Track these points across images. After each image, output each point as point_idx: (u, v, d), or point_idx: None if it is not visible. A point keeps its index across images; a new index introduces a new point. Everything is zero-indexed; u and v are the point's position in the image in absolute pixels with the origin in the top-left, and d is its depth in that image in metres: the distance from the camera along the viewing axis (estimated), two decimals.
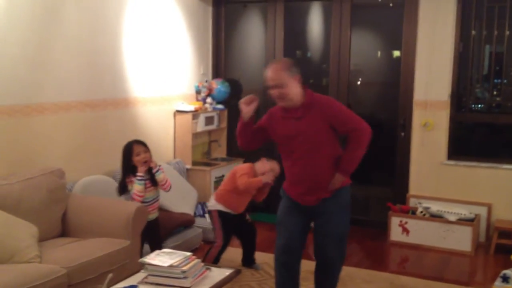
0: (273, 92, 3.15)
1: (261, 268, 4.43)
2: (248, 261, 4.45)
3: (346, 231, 3.36)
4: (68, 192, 4.09)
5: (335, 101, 3.28)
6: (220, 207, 4.22)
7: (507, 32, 5.13)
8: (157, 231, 4.14)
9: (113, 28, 4.76)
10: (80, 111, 4.49)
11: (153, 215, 4.06)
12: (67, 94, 4.36)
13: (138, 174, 3.87)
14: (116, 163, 4.75)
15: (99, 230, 3.83)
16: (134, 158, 3.90)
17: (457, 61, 5.27)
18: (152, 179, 3.98)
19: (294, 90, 3.13)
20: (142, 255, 3.72)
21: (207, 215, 4.82)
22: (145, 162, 3.91)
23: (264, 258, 4.52)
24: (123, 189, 3.96)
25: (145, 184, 3.91)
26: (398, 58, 5.67)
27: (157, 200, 4.09)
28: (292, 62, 3.18)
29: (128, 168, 3.93)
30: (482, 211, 5.15)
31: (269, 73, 3.14)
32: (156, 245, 3.94)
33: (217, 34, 6.26)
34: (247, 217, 4.45)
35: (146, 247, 4.02)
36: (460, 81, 5.37)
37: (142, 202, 3.92)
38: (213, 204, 4.26)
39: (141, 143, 3.98)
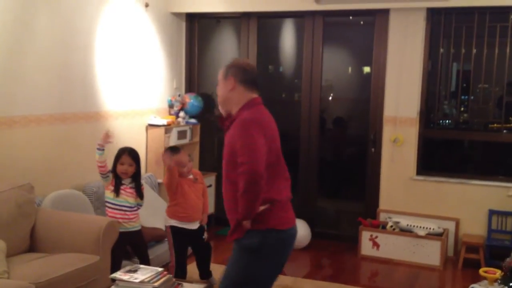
0: None
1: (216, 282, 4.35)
2: (205, 274, 4.33)
3: (240, 278, 2.69)
4: (37, 206, 4.02)
5: (246, 124, 2.65)
6: (173, 222, 4.11)
7: (474, 50, 5.27)
8: (144, 244, 4.15)
9: (85, 41, 4.74)
10: (50, 125, 4.44)
11: (135, 224, 4.06)
12: (38, 107, 4.31)
13: (98, 143, 3.90)
14: (86, 177, 4.72)
15: (69, 245, 3.77)
16: (117, 165, 3.99)
17: (426, 79, 5.39)
18: (137, 188, 4.06)
19: (221, 91, 2.84)
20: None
21: None
22: (125, 173, 4.00)
23: None
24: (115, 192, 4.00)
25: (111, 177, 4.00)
26: (368, 74, 5.77)
27: (138, 209, 4.10)
28: (233, 64, 2.85)
29: (114, 173, 4.00)
30: (450, 226, 5.25)
31: None
32: (145, 258, 3.99)
33: (190, 49, 6.28)
34: (205, 235, 4.29)
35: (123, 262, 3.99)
36: (429, 98, 5.49)
37: (123, 207, 3.97)
38: (166, 220, 4.15)
39: (131, 155, 4.04)
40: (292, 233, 2.77)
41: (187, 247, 4.25)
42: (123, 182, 4.02)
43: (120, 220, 3.96)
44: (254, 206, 2.57)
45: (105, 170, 3.94)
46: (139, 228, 4.11)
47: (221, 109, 2.87)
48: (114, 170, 4.01)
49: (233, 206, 2.68)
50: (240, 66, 2.82)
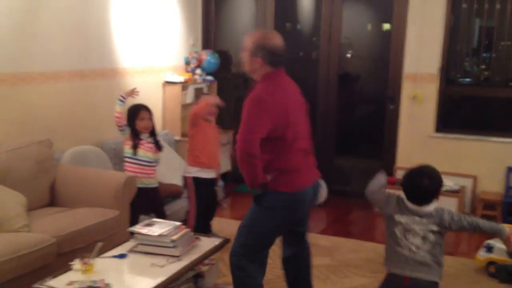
0: None
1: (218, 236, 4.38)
2: (205, 228, 4.35)
3: (253, 229, 2.90)
4: (56, 162, 4.08)
5: (253, 101, 2.77)
6: (195, 171, 4.14)
7: (498, 6, 5.12)
8: (161, 201, 4.21)
9: None
10: (68, 81, 4.46)
11: (153, 180, 4.11)
12: (56, 64, 4.32)
13: (121, 95, 3.99)
14: (104, 134, 4.76)
15: (88, 200, 3.84)
16: (137, 122, 4.01)
17: (448, 35, 5.26)
18: (156, 143, 4.10)
19: (248, 66, 2.92)
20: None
21: None
22: (146, 128, 4.06)
23: None
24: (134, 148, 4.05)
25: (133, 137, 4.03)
26: (388, 31, 5.66)
27: (156, 166, 4.14)
28: (263, 44, 2.84)
29: (132, 127, 4.03)
30: (468, 183, 5.23)
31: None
32: (162, 215, 4.02)
33: (207, 5, 6.20)
34: (219, 184, 4.42)
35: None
36: (450, 55, 5.38)
37: (143, 162, 4.01)
38: (187, 169, 4.20)
39: (148, 110, 4.08)
40: (297, 197, 2.88)
41: (207, 197, 4.28)
42: (141, 137, 4.06)
43: (139, 175, 4.01)
44: (253, 178, 2.77)
45: (122, 122, 3.98)
46: (156, 185, 4.16)
47: (244, 69, 2.98)
48: (132, 126, 4.03)
49: None
50: (270, 49, 2.83)
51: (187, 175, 4.21)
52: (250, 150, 2.70)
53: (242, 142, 2.72)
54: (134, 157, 4.03)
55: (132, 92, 4.07)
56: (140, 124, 4.03)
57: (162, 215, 4.04)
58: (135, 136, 4.03)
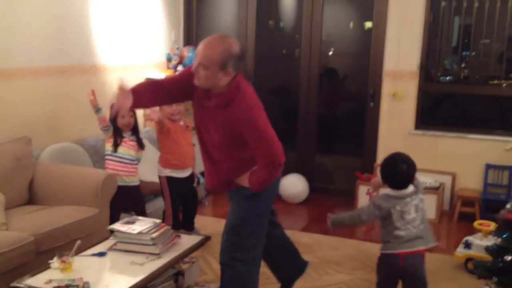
0: None
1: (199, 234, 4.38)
2: (188, 226, 4.36)
3: (242, 221, 2.91)
4: (35, 159, 4.04)
5: (254, 113, 2.72)
6: (167, 172, 4.12)
7: (476, 4, 5.18)
8: (142, 199, 4.18)
9: None
10: (47, 77, 4.41)
11: (135, 178, 4.08)
12: (34, 60, 4.27)
13: (93, 106, 3.91)
14: (84, 131, 4.72)
15: (67, 198, 3.80)
16: (118, 119, 3.97)
17: (427, 32, 5.31)
18: (138, 141, 4.08)
19: (212, 80, 2.71)
20: None
21: None
22: (127, 125, 4.03)
23: None
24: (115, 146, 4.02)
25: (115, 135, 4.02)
26: (370, 30, 5.69)
27: (137, 163, 4.12)
28: (231, 54, 2.64)
29: (114, 127, 3.99)
30: (447, 180, 5.29)
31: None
32: (143, 214, 3.98)
33: (188, 1, 6.17)
34: (195, 182, 4.41)
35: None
36: (430, 52, 5.43)
37: (124, 159, 4.00)
38: (160, 170, 4.16)
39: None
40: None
41: (182, 196, 4.25)
42: (123, 135, 4.03)
43: (121, 173, 3.99)
44: (270, 183, 2.85)
45: (106, 123, 3.95)
46: (138, 183, 4.14)
47: (201, 86, 2.72)
48: (113, 124, 4.00)
49: (237, 172, 2.88)
50: (238, 55, 2.65)
51: (161, 174, 4.18)
52: (280, 161, 2.74)
53: (270, 158, 2.70)
54: (115, 154, 4.01)
55: (93, 99, 3.89)
56: (121, 121, 4.01)
57: (142, 213, 4.01)
58: (117, 134, 4.00)
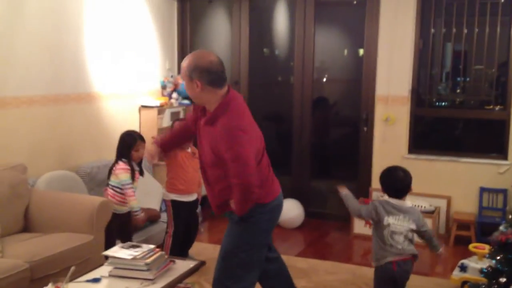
0: None
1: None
2: (185, 251, 4.37)
3: (235, 247, 2.93)
4: (30, 187, 4.05)
5: (232, 133, 2.74)
6: (173, 196, 4.18)
7: (465, 31, 5.27)
8: (130, 227, 4.17)
9: (76, 22, 4.72)
10: (43, 106, 4.44)
11: (127, 207, 4.08)
12: (30, 88, 4.32)
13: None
14: (79, 159, 4.74)
15: (62, 225, 3.81)
16: (133, 151, 4.03)
17: (417, 58, 5.40)
18: (141, 170, 4.15)
19: (190, 91, 2.88)
20: None
21: None
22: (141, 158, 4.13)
23: None
24: (110, 172, 4.05)
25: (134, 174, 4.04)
26: (362, 56, 5.77)
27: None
28: (195, 66, 2.76)
29: (124, 155, 4.02)
30: (442, 204, 5.30)
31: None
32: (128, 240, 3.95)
33: (182, 29, 6.27)
34: (198, 209, 4.49)
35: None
36: (421, 78, 5.51)
37: (119, 189, 4.00)
38: (165, 194, 4.23)
39: (144, 141, 4.12)
40: (276, 203, 3.00)
41: (186, 219, 4.27)
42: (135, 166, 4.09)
43: (123, 202, 4.01)
44: (250, 205, 2.80)
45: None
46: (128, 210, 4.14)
47: (195, 101, 2.93)
48: (128, 155, 4.01)
49: (227, 194, 2.88)
50: (203, 68, 2.73)
51: (166, 198, 4.23)
52: (252, 183, 2.71)
53: (242, 179, 2.69)
54: (118, 185, 4.01)
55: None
56: (136, 154, 4.06)
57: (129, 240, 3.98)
58: (131, 165, 4.03)
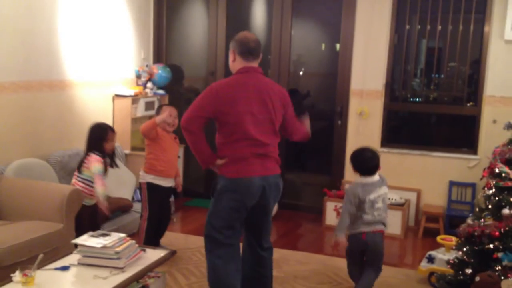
0: None
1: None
2: (154, 241, 4.31)
3: (210, 212, 3.28)
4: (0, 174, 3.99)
5: (206, 89, 3.20)
6: (150, 178, 4.16)
7: (439, 27, 5.34)
8: (98, 217, 4.13)
9: (50, 7, 4.65)
10: (14, 92, 4.37)
11: (94, 200, 4.04)
12: (1, 75, 4.24)
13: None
14: (51, 147, 4.68)
15: (32, 213, 3.76)
16: (105, 143, 3.97)
17: (392, 53, 5.45)
18: (113, 161, 4.12)
19: (229, 62, 3.30)
20: None
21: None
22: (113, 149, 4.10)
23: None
24: (81, 165, 3.97)
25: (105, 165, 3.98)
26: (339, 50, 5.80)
27: None
28: (233, 38, 3.24)
29: (96, 147, 3.96)
30: (412, 197, 5.39)
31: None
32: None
33: (158, 19, 6.22)
34: (171, 198, 4.51)
35: None
36: (395, 73, 5.57)
37: (90, 183, 3.93)
38: (142, 176, 4.20)
39: (114, 132, 4.09)
40: (243, 182, 3.14)
41: (160, 204, 4.25)
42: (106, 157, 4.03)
43: (92, 196, 3.96)
44: (201, 155, 3.16)
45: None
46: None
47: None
48: (100, 147, 3.95)
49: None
50: (238, 39, 3.21)
51: (142, 180, 4.20)
52: (188, 127, 3.08)
53: (183, 120, 3.10)
54: (86, 177, 3.97)
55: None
56: (108, 146, 4.01)
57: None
58: (104, 157, 3.98)
